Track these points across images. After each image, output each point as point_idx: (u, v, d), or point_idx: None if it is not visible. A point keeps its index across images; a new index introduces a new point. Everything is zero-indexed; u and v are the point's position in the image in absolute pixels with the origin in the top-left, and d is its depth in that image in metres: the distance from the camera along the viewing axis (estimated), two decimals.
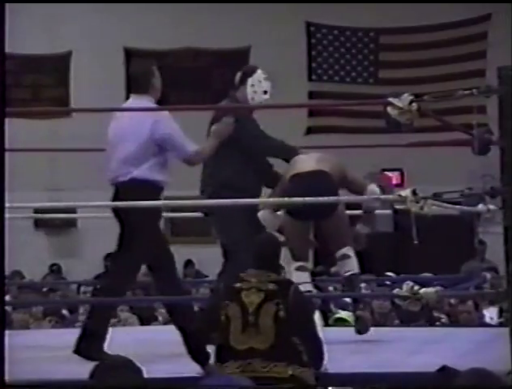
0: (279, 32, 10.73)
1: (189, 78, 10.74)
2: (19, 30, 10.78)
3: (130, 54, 10.91)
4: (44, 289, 8.79)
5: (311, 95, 10.83)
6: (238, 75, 5.12)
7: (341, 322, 6.20)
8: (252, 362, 3.37)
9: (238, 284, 3.50)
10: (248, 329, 3.41)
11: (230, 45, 10.83)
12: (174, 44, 10.74)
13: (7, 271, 10.43)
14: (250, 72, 5.12)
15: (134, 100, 4.78)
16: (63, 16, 10.88)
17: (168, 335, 4.44)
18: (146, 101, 4.72)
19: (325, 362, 3.58)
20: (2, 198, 2.75)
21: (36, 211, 8.03)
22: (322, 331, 3.83)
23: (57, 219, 9.56)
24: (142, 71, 4.78)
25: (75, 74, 10.86)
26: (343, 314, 6.39)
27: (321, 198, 4.47)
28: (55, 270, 10.53)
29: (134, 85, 4.84)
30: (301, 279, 4.75)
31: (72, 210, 8.65)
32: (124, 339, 4.98)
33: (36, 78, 10.98)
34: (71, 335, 5.66)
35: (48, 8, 10.82)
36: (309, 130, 10.83)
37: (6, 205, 4.98)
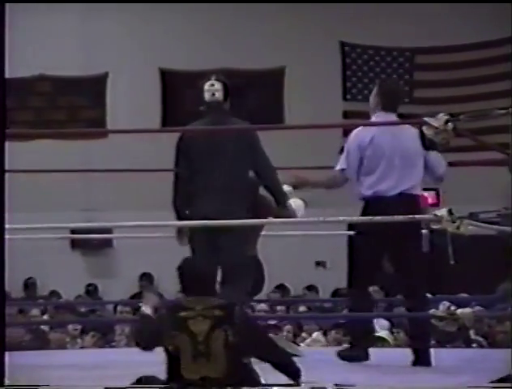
0: (313, 51, 10.75)
1: None
2: (56, 51, 10.91)
3: (165, 75, 10.99)
4: (83, 310, 8.84)
5: (346, 114, 10.82)
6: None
7: (380, 341, 6.16)
8: None
9: (183, 313, 3.40)
10: (199, 358, 3.32)
11: (265, 66, 10.87)
12: (208, 65, 10.79)
13: (45, 292, 10.51)
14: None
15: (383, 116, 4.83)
16: (99, 38, 10.99)
17: None
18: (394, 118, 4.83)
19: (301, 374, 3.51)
20: (2, 209, 2.76)
21: (73, 231, 8.09)
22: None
23: (93, 239, 9.62)
24: (397, 90, 5.03)
25: (111, 96, 10.96)
26: (382, 333, 6.35)
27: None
28: (91, 290, 10.58)
29: (385, 102, 4.83)
30: None
31: (108, 230, 8.70)
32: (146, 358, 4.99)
33: (73, 99, 11.08)
34: (106, 354, 5.68)
35: (84, 29, 10.94)
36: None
37: (44, 225, 5.02)
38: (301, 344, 7.24)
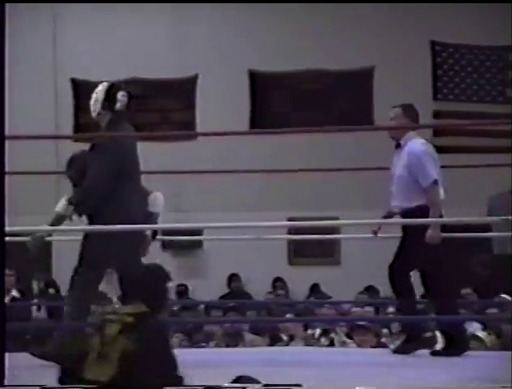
0: (403, 51, 10.64)
1: (311, 99, 10.76)
2: (147, 54, 11.06)
3: (254, 77, 11.03)
4: (175, 308, 8.93)
5: (436, 114, 10.68)
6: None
7: (476, 340, 6.07)
8: None
9: (108, 316, 3.57)
10: (100, 361, 3.42)
11: (353, 66, 10.81)
12: (297, 66, 10.80)
13: None
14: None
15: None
16: (190, 40, 11.10)
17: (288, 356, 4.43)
18: None
19: None
20: (2, 210, 2.80)
21: (164, 232, 8.18)
22: None
23: (183, 240, 9.72)
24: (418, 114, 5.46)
25: (201, 98, 11.05)
26: (480, 333, 6.26)
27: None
28: (182, 290, 10.69)
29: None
30: None
31: (198, 231, 8.78)
32: (248, 359, 5.00)
33: (164, 102, 11.22)
34: (198, 354, 5.73)
35: (175, 32, 11.07)
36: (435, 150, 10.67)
37: (136, 226, 5.10)
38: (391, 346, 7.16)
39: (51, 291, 9.93)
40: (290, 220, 9.74)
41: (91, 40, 11.14)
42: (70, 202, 4.80)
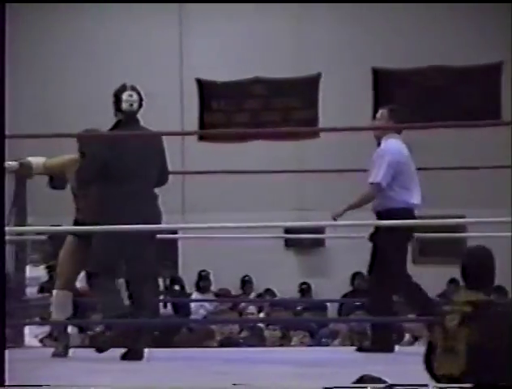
0: None
1: (436, 96, 10.60)
2: (270, 53, 11.13)
3: (377, 74, 10.94)
4: (299, 308, 8.96)
5: None
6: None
7: None
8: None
9: (446, 307, 3.48)
10: (446, 354, 3.34)
11: (480, 61, 10.58)
12: (420, 63, 10.66)
13: (260, 289, 10.76)
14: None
15: None
16: (312, 38, 11.11)
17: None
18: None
19: None
20: (2, 209, 2.81)
21: (287, 230, 8.22)
22: None
23: (305, 238, 9.74)
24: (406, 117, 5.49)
25: (324, 96, 11.04)
26: None
27: None
28: (305, 289, 10.71)
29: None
30: None
31: (321, 229, 8.77)
32: (371, 358, 4.96)
33: (286, 101, 11.26)
34: (321, 353, 5.74)
35: (297, 31, 11.10)
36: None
37: (259, 224, 5.15)
38: None
39: (176, 288, 10.12)
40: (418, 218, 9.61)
41: (216, 40, 11.29)
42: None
